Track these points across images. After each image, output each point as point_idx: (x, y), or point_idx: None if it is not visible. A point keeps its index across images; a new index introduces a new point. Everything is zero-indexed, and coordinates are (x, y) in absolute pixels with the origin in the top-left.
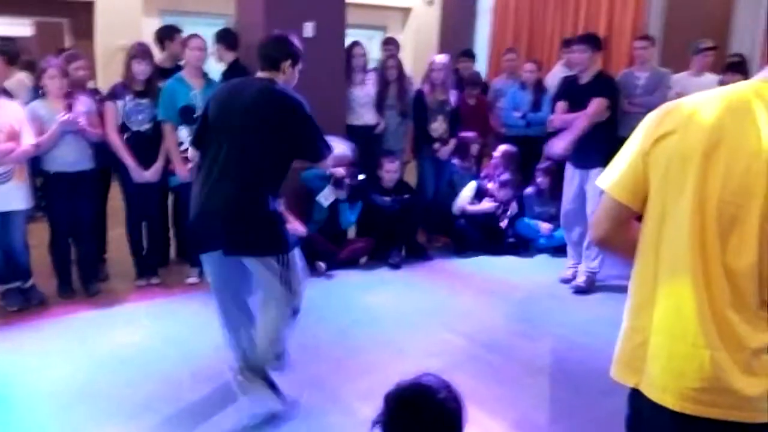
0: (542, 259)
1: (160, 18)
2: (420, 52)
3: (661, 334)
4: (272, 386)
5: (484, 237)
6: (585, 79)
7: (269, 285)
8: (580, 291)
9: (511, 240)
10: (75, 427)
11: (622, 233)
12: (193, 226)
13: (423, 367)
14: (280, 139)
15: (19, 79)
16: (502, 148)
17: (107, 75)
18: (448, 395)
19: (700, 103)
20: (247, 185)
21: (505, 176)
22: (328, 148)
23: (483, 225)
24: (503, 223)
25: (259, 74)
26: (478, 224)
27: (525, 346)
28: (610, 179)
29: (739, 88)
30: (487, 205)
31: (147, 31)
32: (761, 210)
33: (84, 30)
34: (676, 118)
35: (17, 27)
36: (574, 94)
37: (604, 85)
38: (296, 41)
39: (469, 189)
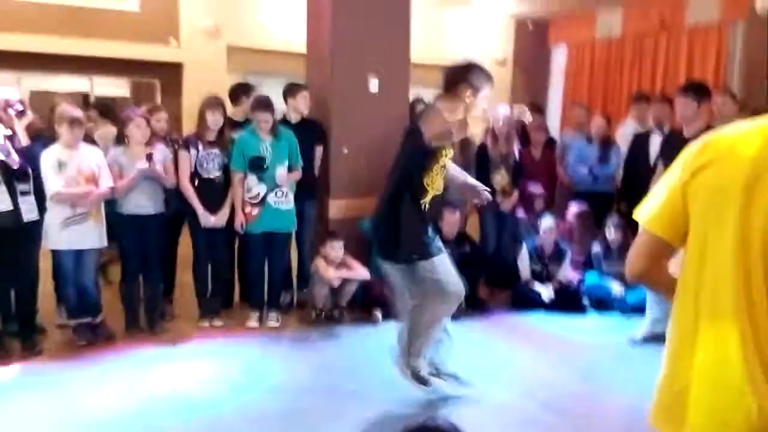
0: (612, 318)
1: (243, 77)
2: (499, 105)
3: (703, 381)
4: (420, 379)
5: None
6: (691, 132)
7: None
8: None
9: (584, 303)
10: None
11: (661, 270)
12: None
13: (475, 422)
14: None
15: (108, 130)
16: (574, 210)
17: (192, 128)
18: None
19: (741, 134)
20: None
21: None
22: None
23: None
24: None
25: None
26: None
27: (585, 407)
28: (648, 212)
29: None
30: (547, 293)
31: None
32: None
33: (173, 88)
34: (715, 149)
35: (116, 88)
36: (676, 150)
37: None
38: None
39: (525, 261)
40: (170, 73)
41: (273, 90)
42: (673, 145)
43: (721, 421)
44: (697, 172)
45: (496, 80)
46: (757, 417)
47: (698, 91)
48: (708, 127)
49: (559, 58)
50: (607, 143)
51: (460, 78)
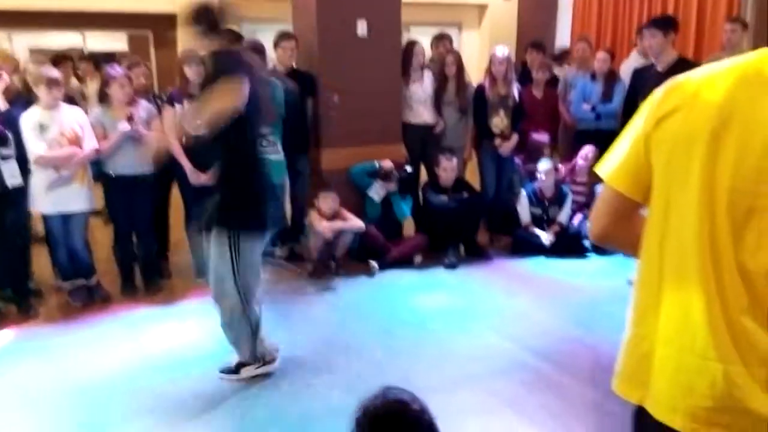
0: (613, 260)
1: (238, 26)
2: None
3: (668, 344)
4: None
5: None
6: (662, 66)
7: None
8: None
9: (586, 245)
10: (105, 421)
11: (625, 228)
12: None
13: (464, 371)
14: None
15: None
16: (586, 152)
17: None
18: (422, 406)
19: (710, 75)
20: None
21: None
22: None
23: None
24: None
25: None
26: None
27: (579, 352)
28: (609, 167)
29: (754, 56)
30: (547, 237)
31: None
32: None
33: (167, 41)
34: (682, 94)
35: (112, 42)
36: (650, 84)
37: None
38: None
39: (524, 203)
40: (164, 25)
41: (269, 39)
42: (643, 79)
43: (686, 386)
44: (660, 121)
45: (501, 17)
46: (723, 382)
47: (663, 23)
48: (680, 59)
49: None
50: (611, 79)
51: (221, 19)
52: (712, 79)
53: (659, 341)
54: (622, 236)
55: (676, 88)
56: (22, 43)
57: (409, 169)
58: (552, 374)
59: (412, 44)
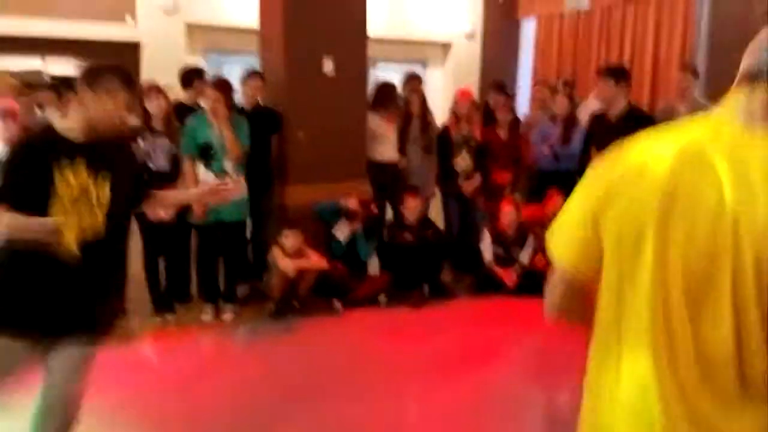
0: None
1: (204, 57)
2: (461, 86)
3: (625, 421)
4: None
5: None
6: (614, 114)
7: None
8: None
9: None
10: None
11: (581, 302)
12: None
13: (427, 413)
14: None
15: None
16: (553, 198)
17: None
18: None
19: (651, 148)
20: None
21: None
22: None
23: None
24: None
25: None
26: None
27: (548, 395)
28: (559, 244)
29: (695, 128)
30: (509, 276)
31: None
32: (732, 276)
33: (131, 70)
34: (627, 167)
35: (75, 68)
36: (603, 132)
37: (637, 123)
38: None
39: (487, 242)
40: (127, 54)
41: (235, 70)
42: (598, 127)
43: None
44: (607, 196)
45: (465, 55)
46: None
47: (615, 73)
48: (631, 109)
49: (529, 32)
50: (570, 122)
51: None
52: (656, 152)
53: (617, 417)
54: (579, 311)
55: (621, 161)
56: None
57: (374, 207)
58: (518, 419)
59: (386, 85)
